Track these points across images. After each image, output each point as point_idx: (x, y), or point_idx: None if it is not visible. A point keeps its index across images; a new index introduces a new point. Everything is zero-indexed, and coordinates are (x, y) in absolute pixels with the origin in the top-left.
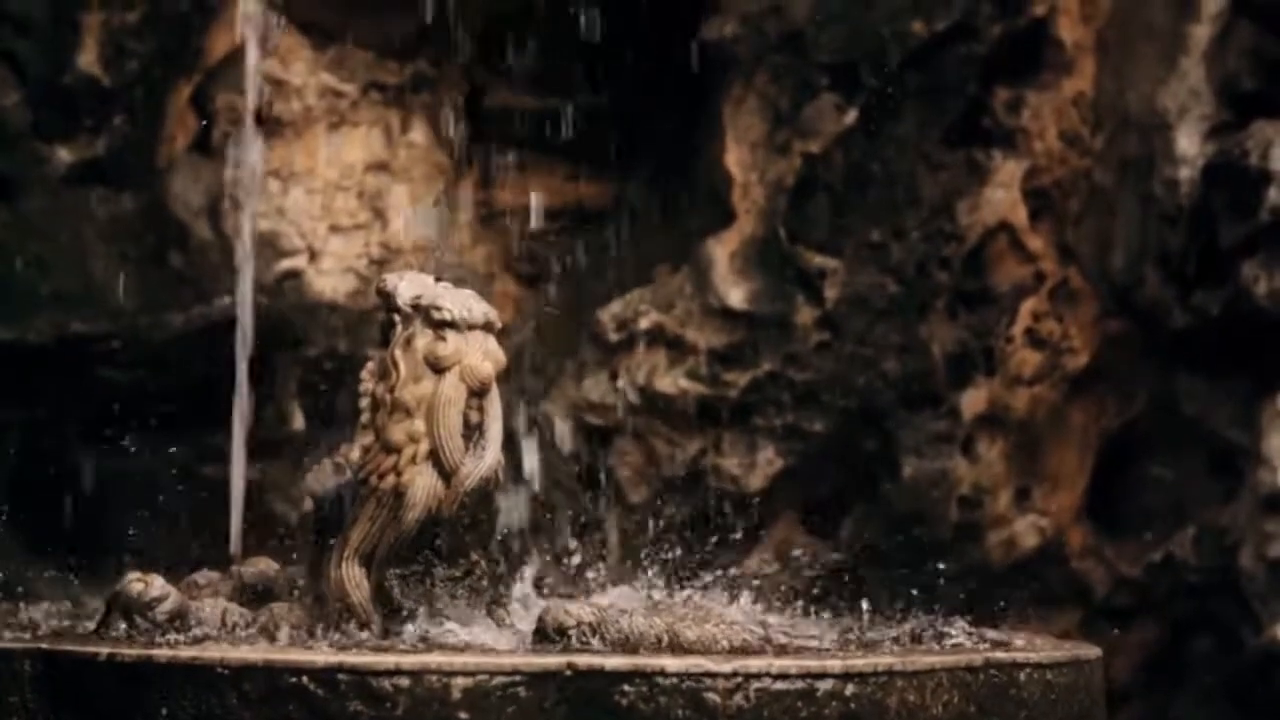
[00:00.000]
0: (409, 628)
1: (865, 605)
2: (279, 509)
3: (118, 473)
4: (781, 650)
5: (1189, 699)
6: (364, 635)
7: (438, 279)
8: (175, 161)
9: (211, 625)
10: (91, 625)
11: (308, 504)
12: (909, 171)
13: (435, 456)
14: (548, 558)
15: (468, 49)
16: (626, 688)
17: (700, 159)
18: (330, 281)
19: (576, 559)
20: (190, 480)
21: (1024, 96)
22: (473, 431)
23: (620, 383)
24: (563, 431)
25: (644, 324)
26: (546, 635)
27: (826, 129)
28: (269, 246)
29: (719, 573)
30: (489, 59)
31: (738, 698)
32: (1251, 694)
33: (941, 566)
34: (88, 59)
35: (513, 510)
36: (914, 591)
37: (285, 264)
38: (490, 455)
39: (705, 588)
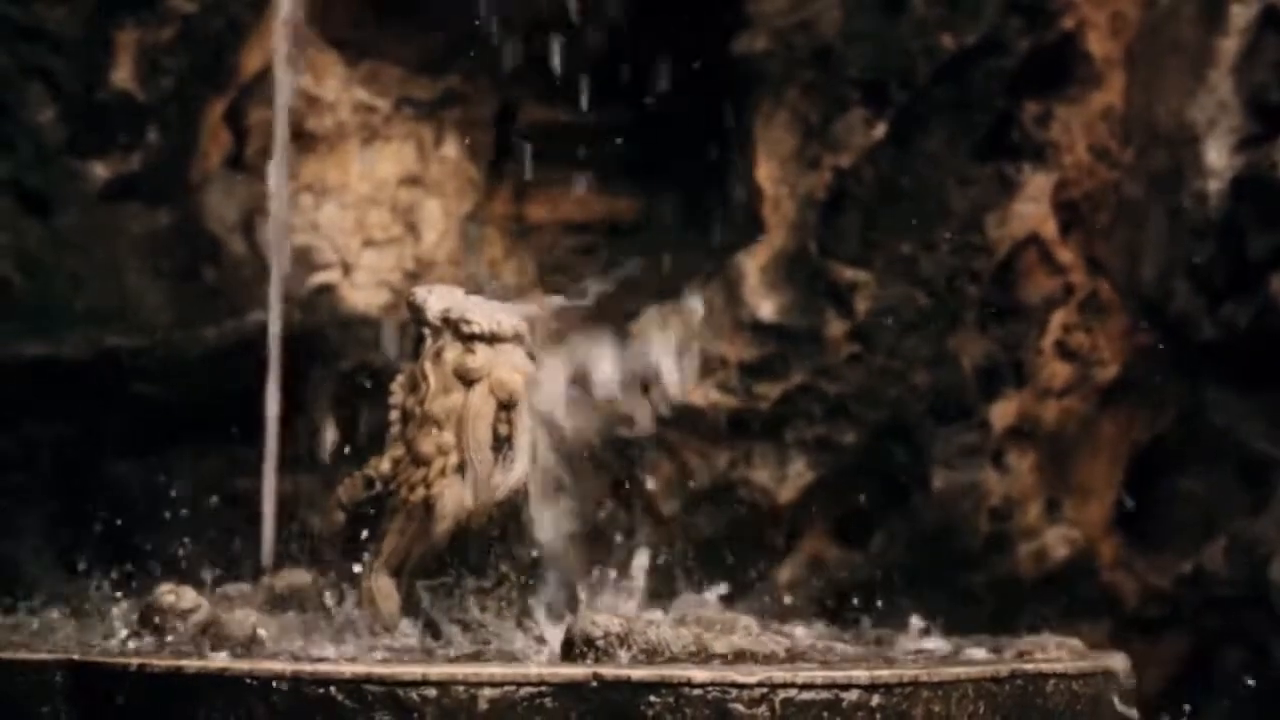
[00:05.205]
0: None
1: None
2: (311, 521)
3: (151, 486)
4: (808, 661)
5: (1219, 712)
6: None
7: (469, 292)
8: (209, 177)
9: (241, 636)
10: (123, 637)
11: (338, 516)
12: (939, 185)
13: (465, 469)
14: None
15: (502, 64)
16: (653, 699)
17: (731, 173)
18: (363, 295)
19: (606, 571)
20: (223, 493)
21: (1053, 110)
22: (502, 444)
23: (651, 395)
24: (594, 443)
25: (675, 337)
26: (574, 646)
27: (856, 143)
28: (302, 261)
29: (749, 584)
30: (521, 74)
31: (763, 708)
32: None
33: (971, 578)
34: (122, 75)
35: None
36: (944, 603)
37: (318, 278)
38: (519, 467)
39: (734, 599)
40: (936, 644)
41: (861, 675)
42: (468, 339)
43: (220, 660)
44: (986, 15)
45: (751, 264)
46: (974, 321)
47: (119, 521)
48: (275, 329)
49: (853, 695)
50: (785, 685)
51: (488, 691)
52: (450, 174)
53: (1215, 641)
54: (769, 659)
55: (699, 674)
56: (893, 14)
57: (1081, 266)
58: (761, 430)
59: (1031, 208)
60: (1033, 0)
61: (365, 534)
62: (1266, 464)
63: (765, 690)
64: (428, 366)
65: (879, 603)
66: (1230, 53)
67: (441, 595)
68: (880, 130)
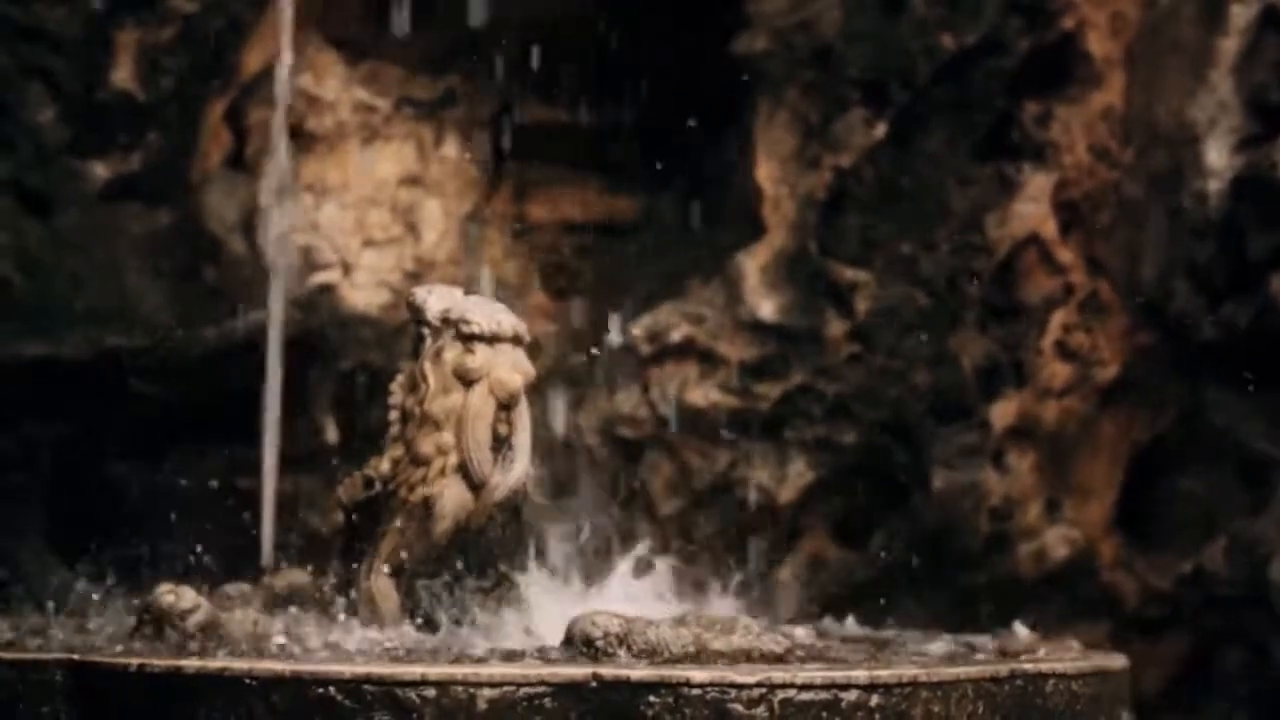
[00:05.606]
0: None
1: None
2: (311, 521)
3: (152, 485)
4: (807, 661)
5: (1219, 711)
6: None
7: (467, 292)
8: (209, 177)
9: (241, 636)
10: (123, 637)
11: (338, 516)
12: (939, 185)
13: (464, 468)
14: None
15: (500, 65)
16: (652, 699)
17: (731, 172)
18: (363, 295)
19: (607, 569)
20: (223, 492)
21: (1053, 110)
22: (501, 444)
23: (652, 395)
24: (594, 444)
25: (675, 337)
26: (574, 646)
27: (856, 143)
28: (302, 261)
29: (749, 584)
30: (521, 74)
31: (762, 708)
32: None
33: (971, 578)
34: (122, 76)
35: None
36: (944, 603)
37: (319, 278)
38: (519, 467)
39: (734, 599)
40: (936, 645)
41: (861, 675)
42: (467, 339)
43: (220, 660)
44: (986, 15)
45: (751, 264)
46: (974, 321)
47: (119, 522)
48: (275, 329)
49: (852, 695)
50: (784, 685)
51: (487, 692)
52: (450, 174)
53: (1215, 641)
54: (768, 659)
55: (698, 674)
56: (893, 14)
57: (1081, 266)
58: (762, 430)
59: (1031, 208)
60: (1033, 0)
61: (364, 534)
62: (1266, 464)
63: (764, 690)
64: (427, 366)
65: (879, 603)
66: (1230, 53)
67: (441, 595)
68: (880, 130)
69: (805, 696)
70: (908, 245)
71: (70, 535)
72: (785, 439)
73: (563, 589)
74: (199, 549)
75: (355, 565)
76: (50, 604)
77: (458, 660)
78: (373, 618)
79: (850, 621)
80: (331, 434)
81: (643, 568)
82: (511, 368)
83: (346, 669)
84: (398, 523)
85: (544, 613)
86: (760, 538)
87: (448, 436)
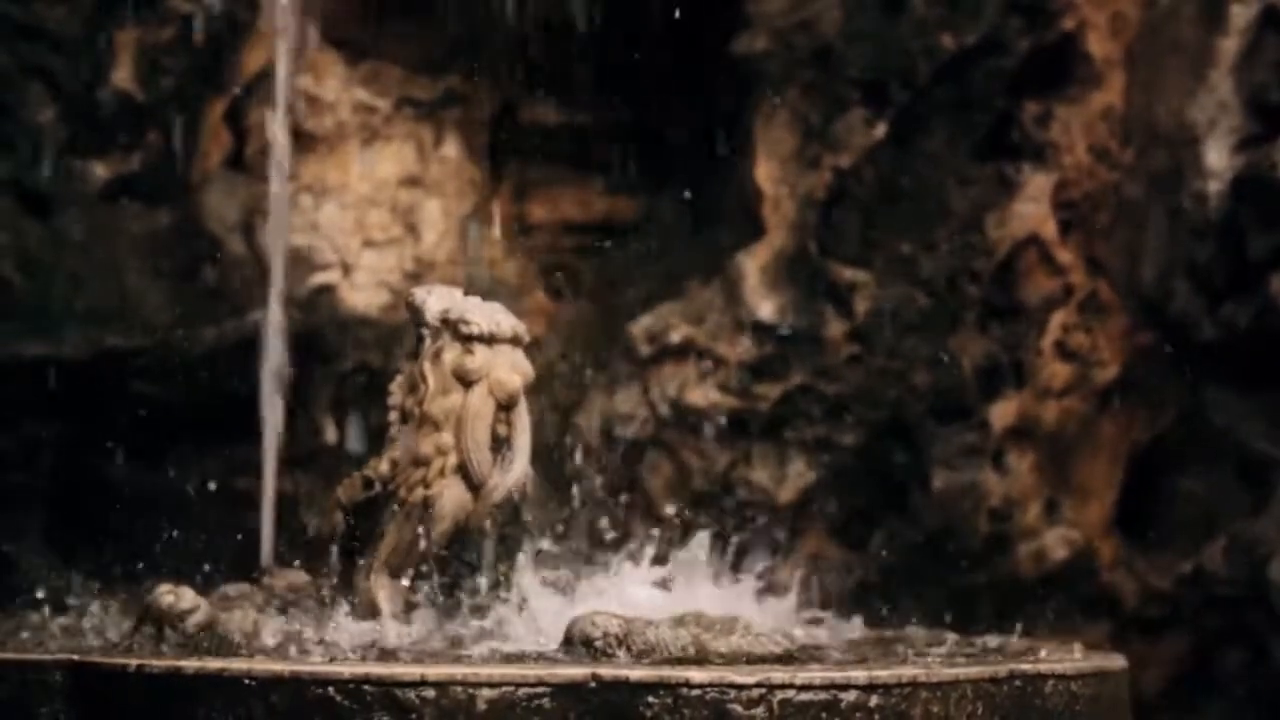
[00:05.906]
0: None
1: None
2: (311, 521)
3: (151, 485)
4: (806, 661)
5: (1219, 711)
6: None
7: (467, 293)
8: (209, 177)
9: (240, 636)
10: (124, 637)
11: (338, 516)
12: (939, 185)
13: (463, 469)
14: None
15: (500, 65)
16: (651, 699)
17: (731, 173)
18: (363, 296)
19: (606, 570)
20: (223, 492)
21: (1053, 110)
22: (501, 444)
23: (651, 395)
24: (594, 444)
25: (675, 337)
26: (573, 646)
27: (856, 143)
28: (302, 261)
29: (748, 584)
30: (521, 74)
31: (761, 709)
32: None
33: (971, 578)
34: (122, 76)
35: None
36: (944, 603)
37: (318, 278)
38: (518, 468)
39: (734, 599)
40: (936, 645)
41: (860, 676)
42: (466, 340)
43: (220, 660)
44: (986, 15)
45: (751, 264)
46: (974, 321)
47: (119, 522)
48: (275, 329)
49: (851, 696)
50: (783, 686)
51: (486, 692)
52: (450, 174)
53: (1215, 641)
54: (767, 659)
55: (697, 674)
56: (893, 14)
57: (1081, 266)
58: (761, 430)
59: (1031, 208)
60: (1033, 0)
61: (364, 534)
62: (1266, 464)
63: (763, 691)
64: (426, 367)
65: (879, 603)
66: (1230, 53)
67: (441, 595)
68: (880, 130)
69: (805, 697)
70: (908, 245)
71: (70, 535)
72: (785, 439)
73: (562, 589)
74: (199, 549)
75: (355, 565)
76: (50, 604)
77: (457, 660)
78: (373, 618)
79: (851, 621)
80: (331, 434)
81: (642, 568)
82: (511, 368)
83: (346, 669)
84: (398, 523)
85: (543, 613)
86: (760, 538)
87: (447, 437)
